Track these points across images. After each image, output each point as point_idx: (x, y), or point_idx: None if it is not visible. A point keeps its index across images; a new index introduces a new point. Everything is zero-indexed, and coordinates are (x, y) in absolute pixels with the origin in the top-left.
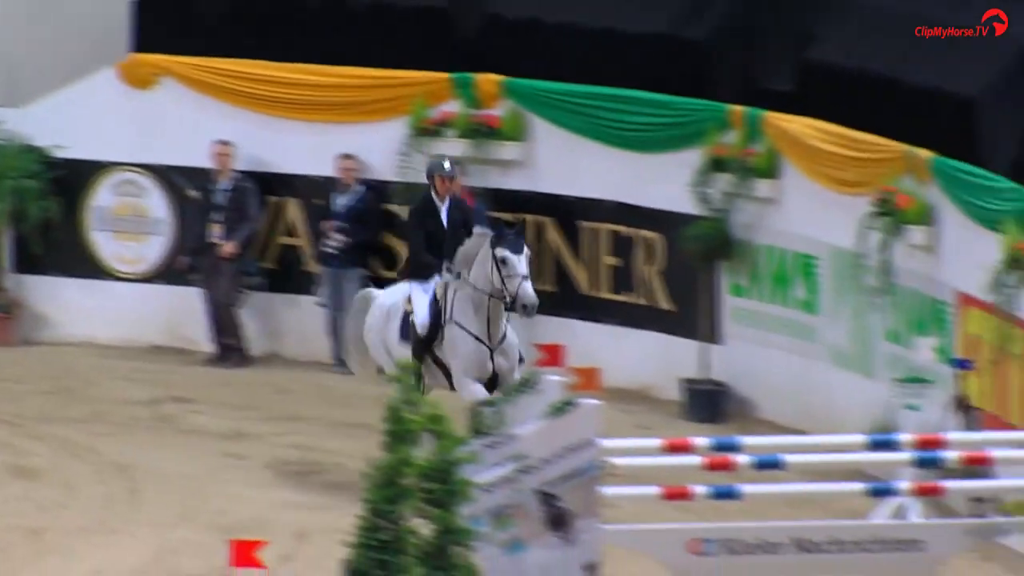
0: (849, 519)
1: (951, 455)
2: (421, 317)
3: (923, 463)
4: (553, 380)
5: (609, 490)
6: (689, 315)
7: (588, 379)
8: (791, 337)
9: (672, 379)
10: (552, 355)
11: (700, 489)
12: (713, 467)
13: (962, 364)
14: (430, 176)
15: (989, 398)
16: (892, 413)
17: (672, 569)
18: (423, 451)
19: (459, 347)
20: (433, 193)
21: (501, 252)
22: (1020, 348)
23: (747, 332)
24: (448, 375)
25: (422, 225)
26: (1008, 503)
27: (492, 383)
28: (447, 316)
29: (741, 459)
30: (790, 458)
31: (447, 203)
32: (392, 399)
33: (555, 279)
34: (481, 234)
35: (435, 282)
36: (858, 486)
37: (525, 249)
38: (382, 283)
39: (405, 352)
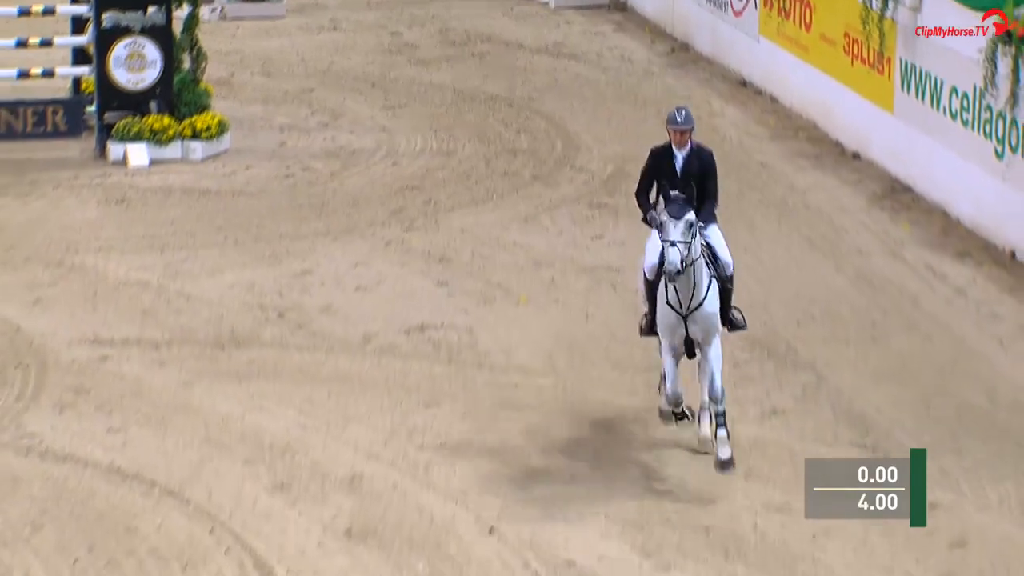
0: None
1: None
2: (648, 263)
3: None
4: None
5: None
6: None
7: None
8: None
9: None
10: None
11: None
12: None
13: None
14: (667, 127)
15: None
16: None
17: None
18: None
19: (657, 308)
20: (672, 143)
21: (662, 216)
22: None
23: None
24: None
25: (653, 170)
26: None
27: (689, 347)
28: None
29: None
30: None
31: (686, 152)
32: None
33: None
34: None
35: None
36: None
37: (687, 216)
38: None
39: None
